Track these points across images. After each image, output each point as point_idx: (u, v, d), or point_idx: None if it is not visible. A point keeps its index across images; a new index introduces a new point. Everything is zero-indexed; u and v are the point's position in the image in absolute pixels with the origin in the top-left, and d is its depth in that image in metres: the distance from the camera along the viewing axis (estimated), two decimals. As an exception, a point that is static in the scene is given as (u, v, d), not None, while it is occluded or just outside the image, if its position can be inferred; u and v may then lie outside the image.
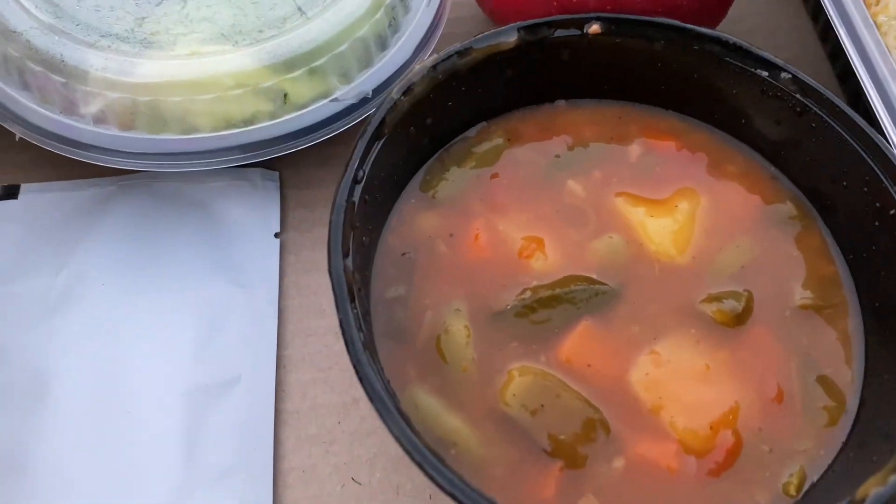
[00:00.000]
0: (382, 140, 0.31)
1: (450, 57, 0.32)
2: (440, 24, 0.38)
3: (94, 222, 0.37)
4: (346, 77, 0.35)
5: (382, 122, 0.31)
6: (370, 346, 0.27)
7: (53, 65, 0.33)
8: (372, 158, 0.30)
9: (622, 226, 0.33)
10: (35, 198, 0.39)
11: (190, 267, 0.36)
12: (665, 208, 0.33)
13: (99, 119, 0.34)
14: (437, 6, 0.38)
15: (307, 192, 0.39)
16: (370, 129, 0.30)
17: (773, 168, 0.35)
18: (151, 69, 0.33)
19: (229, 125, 0.34)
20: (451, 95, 0.33)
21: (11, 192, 0.39)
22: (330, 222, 0.28)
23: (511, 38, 0.34)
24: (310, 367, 0.34)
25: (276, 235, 0.37)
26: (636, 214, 0.33)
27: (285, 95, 0.34)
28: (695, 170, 0.35)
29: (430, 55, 0.36)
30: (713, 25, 0.40)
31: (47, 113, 0.34)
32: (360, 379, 0.25)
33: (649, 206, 0.33)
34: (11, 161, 0.39)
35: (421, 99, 0.32)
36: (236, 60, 0.33)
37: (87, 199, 0.38)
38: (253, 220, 0.37)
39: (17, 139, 0.34)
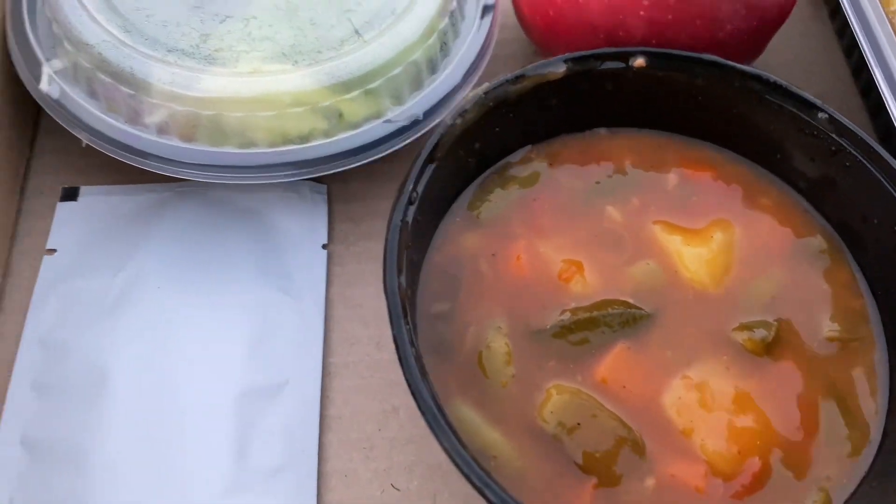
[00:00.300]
0: (435, 163, 0.32)
1: (501, 85, 0.34)
2: (488, 50, 0.40)
3: (150, 226, 0.39)
4: (398, 99, 0.36)
5: (436, 145, 0.32)
6: (419, 360, 0.29)
7: (122, 76, 0.35)
8: (424, 180, 0.32)
9: (659, 253, 0.34)
10: (94, 200, 0.40)
11: (241, 273, 0.37)
12: (701, 238, 0.35)
13: (162, 130, 0.35)
14: (486, 32, 0.39)
15: (353, 205, 0.40)
16: (424, 153, 0.32)
17: (805, 202, 0.36)
18: (214, 84, 0.34)
19: (286, 141, 0.35)
20: (500, 121, 0.35)
21: (71, 195, 0.41)
22: (385, 241, 0.29)
23: (560, 69, 0.35)
24: (353, 375, 0.36)
25: (324, 247, 0.39)
26: (673, 242, 0.34)
27: (340, 115, 0.35)
28: (730, 201, 0.36)
29: (478, 81, 0.38)
30: (752, 59, 0.41)
31: (113, 121, 0.35)
32: (413, 393, 0.26)
33: (686, 235, 0.35)
34: (73, 165, 0.41)
35: (472, 124, 0.34)
36: (296, 80, 0.34)
37: (144, 203, 0.40)
38: (302, 230, 0.39)
39: (83, 145, 0.36)
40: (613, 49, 0.35)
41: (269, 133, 0.35)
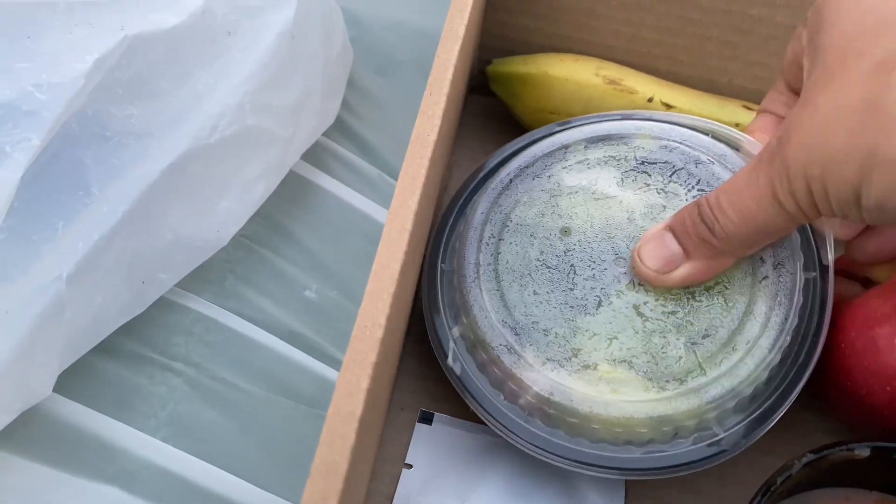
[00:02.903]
0: (758, 510, 0.40)
1: (819, 459, 0.41)
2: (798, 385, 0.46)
3: (487, 466, 0.48)
4: (722, 425, 0.44)
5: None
6: None
7: (506, 372, 0.44)
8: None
9: None
10: (443, 428, 0.50)
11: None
12: None
13: (529, 413, 0.44)
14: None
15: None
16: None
17: None
18: (580, 398, 0.43)
19: (625, 442, 0.43)
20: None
21: (427, 419, 0.51)
22: None
23: (864, 453, 0.41)
24: None
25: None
26: None
27: (676, 433, 0.43)
28: None
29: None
30: None
31: (492, 398, 0.45)
32: None
33: None
34: (428, 390, 0.52)
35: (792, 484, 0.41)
36: (648, 405, 0.42)
37: (481, 442, 0.49)
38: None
39: (470, 410, 0.46)
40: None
41: (610, 437, 0.43)
